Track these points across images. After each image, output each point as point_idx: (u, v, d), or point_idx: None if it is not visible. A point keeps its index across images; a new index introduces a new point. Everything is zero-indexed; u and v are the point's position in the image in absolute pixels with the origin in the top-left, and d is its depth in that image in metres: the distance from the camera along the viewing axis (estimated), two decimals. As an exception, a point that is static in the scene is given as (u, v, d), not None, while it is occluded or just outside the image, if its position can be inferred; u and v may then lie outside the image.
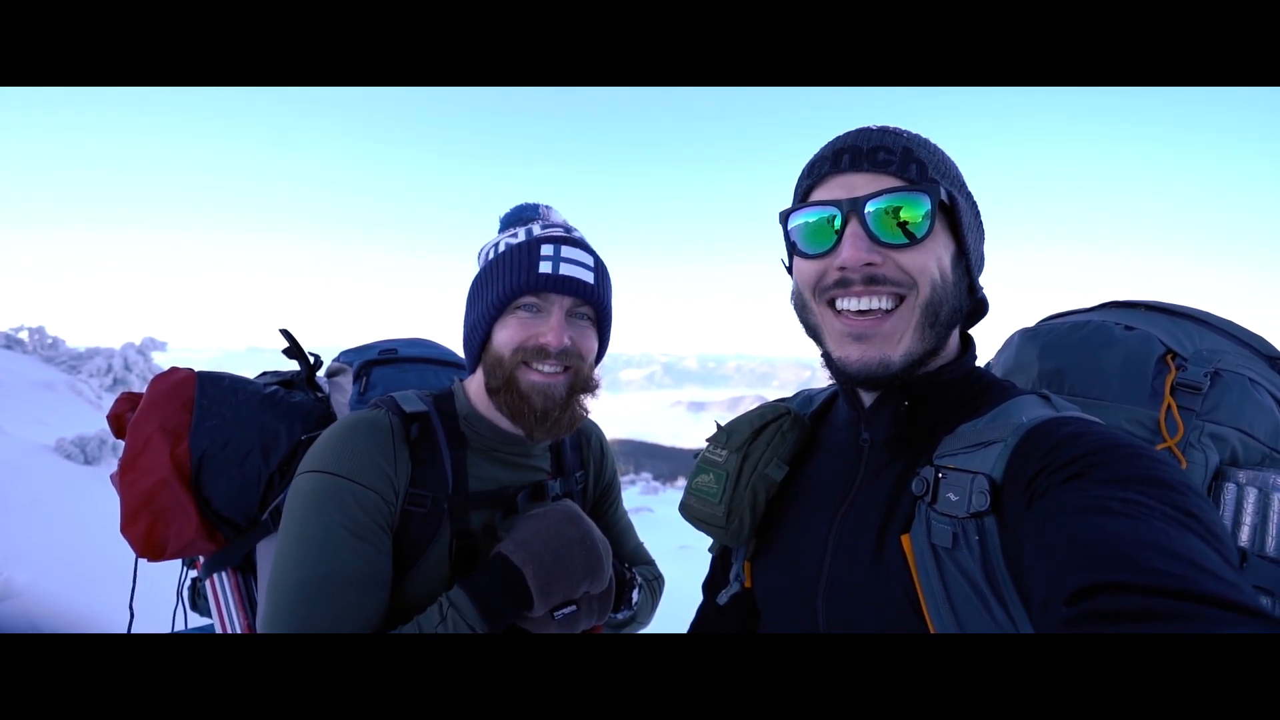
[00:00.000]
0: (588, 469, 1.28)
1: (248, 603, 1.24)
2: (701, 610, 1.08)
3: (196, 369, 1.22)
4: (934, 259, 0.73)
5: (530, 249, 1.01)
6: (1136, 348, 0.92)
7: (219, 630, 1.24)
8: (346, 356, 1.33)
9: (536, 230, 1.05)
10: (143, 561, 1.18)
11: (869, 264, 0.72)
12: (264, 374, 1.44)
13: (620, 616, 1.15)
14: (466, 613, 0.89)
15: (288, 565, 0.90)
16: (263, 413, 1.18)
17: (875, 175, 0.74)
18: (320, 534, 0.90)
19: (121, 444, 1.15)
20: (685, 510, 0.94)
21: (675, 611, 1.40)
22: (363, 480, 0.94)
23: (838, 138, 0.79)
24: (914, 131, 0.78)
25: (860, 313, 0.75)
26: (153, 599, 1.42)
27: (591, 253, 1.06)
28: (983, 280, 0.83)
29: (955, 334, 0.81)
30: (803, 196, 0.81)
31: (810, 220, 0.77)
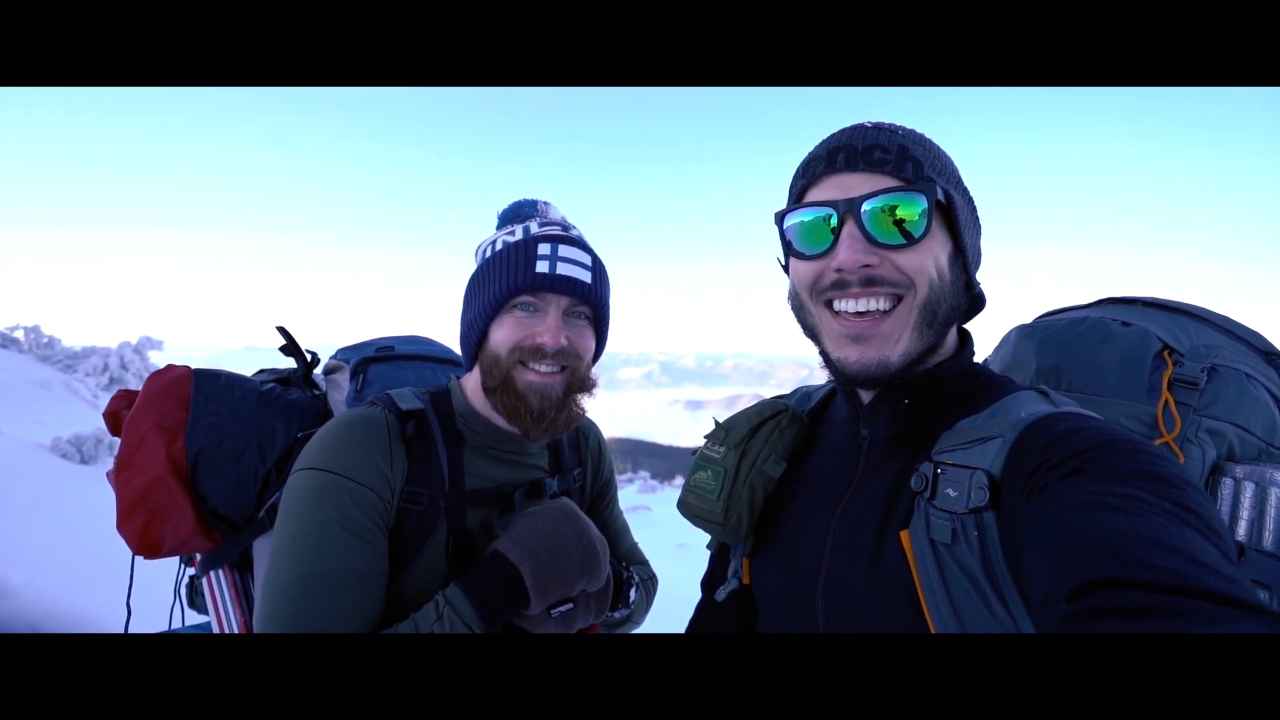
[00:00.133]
0: (585, 467, 1.27)
1: (245, 600, 1.23)
2: (700, 607, 1.08)
3: (193, 366, 1.22)
4: (931, 258, 0.73)
5: (527, 248, 1.01)
6: (1134, 343, 0.92)
7: (216, 628, 1.23)
8: (343, 354, 1.32)
9: (534, 228, 1.04)
10: (140, 559, 1.18)
11: (866, 265, 0.72)
12: (261, 371, 1.44)
13: (617, 615, 1.14)
14: (463, 610, 0.89)
15: (284, 563, 0.90)
16: (259, 410, 1.18)
17: (871, 174, 0.73)
18: (316, 531, 0.90)
19: (118, 442, 1.15)
20: (683, 507, 0.94)
21: (673, 610, 1.40)
22: (358, 478, 0.94)
23: (832, 136, 0.78)
24: (909, 127, 0.77)
25: (858, 314, 0.74)
26: (150, 597, 1.41)
27: (589, 251, 1.06)
28: (980, 276, 0.82)
29: (953, 330, 0.81)
30: (798, 197, 0.80)
31: (806, 221, 0.76)
